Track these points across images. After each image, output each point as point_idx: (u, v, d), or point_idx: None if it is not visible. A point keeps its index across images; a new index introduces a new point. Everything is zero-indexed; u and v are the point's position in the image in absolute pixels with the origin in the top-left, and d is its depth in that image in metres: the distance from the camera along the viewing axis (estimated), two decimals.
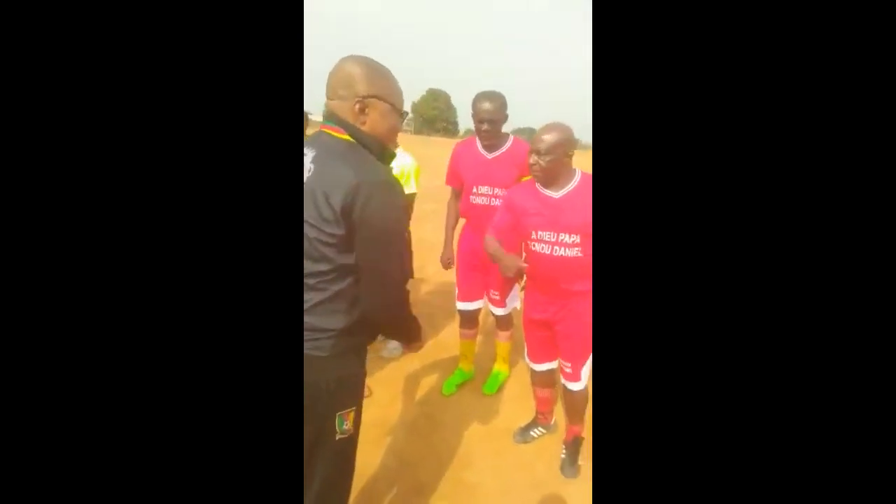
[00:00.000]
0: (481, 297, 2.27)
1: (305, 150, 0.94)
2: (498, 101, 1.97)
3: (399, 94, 1.01)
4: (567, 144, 1.50)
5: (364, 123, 0.96)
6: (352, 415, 0.97)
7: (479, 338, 2.56)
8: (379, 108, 0.96)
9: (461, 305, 2.28)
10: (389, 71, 0.99)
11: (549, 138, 1.48)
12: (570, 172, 1.56)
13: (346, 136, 0.95)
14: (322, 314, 0.91)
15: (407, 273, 0.94)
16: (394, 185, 0.93)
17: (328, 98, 0.98)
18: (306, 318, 0.90)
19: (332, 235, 0.88)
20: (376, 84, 0.95)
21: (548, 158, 1.49)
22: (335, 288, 0.91)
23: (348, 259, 0.90)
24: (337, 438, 0.95)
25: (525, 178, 1.98)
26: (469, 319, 2.33)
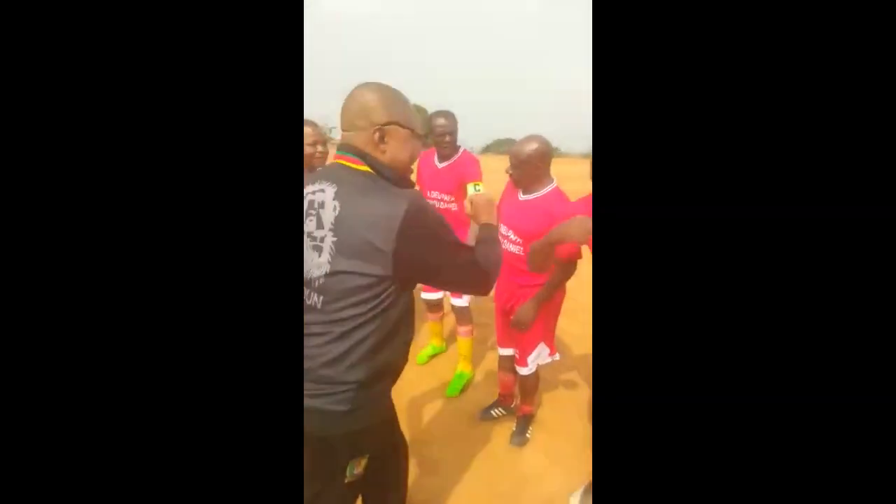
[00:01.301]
0: (440, 290, 2.57)
1: (322, 185, 0.89)
2: (451, 117, 2.32)
3: (416, 118, 0.97)
4: (538, 156, 1.71)
5: (384, 153, 0.91)
6: (364, 461, 0.95)
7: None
8: (398, 134, 0.92)
9: (425, 295, 2.62)
10: (403, 95, 0.95)
11: (521, 151, 1.71)
12: (543, 181, 1.76)
13: (365, 167, 0.90)
14: (341, 366, 0.86)
15: (469, 249, 0.95)
16: (427, 204, 0.88)
17: (343, 129, 0.93)
18: (325, 371, 0.86)
19: (370, 276, 0.83)
20: (394, 110, 0.90)
21: (519, 169, 1.73)
22: (358, 336, 0.86)
23: (376, 302, 0.85)
24: (346, 482, 0.94)
25: (470, 184, 2.28)
26: (433, 306, 2.69)
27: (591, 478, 1.77)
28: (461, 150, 2.38)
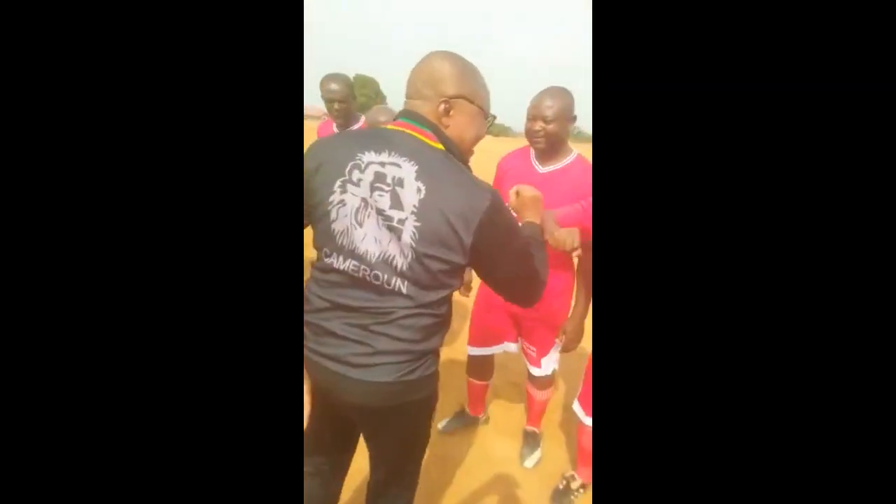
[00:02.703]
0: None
1: (396, 158, 0.81)
2: (343, 81, 2.15)
3: (487, 95, 0.91)
4: None
5: (447, 127, 0.86)
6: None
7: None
8: (466, 110, 0.86)
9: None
10: (477, 69, 0.89)
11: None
12: None
13: (439, 145, 0.84)
14: (429, 338, 0.89)
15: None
16: (503, 201, 0.85)
17: (408, 97, 0.88)
18: (421, 346, 0.87)
19: (451, 263, 0.81)
20: (465, 84, 0.85)
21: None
22: (440, 312, 0.88)
23: (455, 283, 0.87)
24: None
25: None
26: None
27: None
28: (360, 119, 2.26)
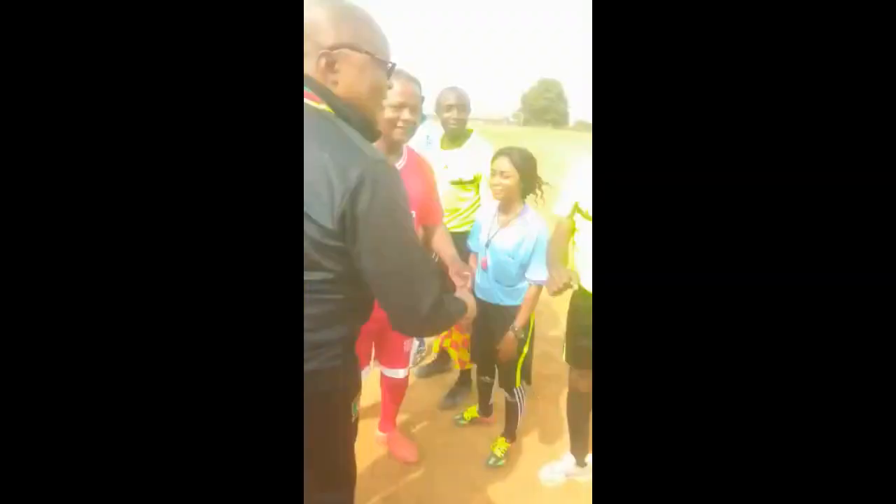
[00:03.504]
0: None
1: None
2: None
3: (379, 38, 0.77)
4: None
5: (336, 83, 0.74)
6: (359, 394, 0.92)
7: None
8: (352, 60, 0.73)
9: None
10: (364, 11, 0.76)
11: None
12: None
13: (326, 106, 0.73)
14: (327, 327, 0.77)
15: (433, 273, 0.79)
16: (396, 170, 0.73)
17: None
18: (312, 337, 0.76)
19: (328, 246, 0.70)
20: (346, 29, 0.72)
21: None
22: (338, 297, 0.76)
23: (328, 263, 0.73)
24: (353, 421, 0.91)
25: None
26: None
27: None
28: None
